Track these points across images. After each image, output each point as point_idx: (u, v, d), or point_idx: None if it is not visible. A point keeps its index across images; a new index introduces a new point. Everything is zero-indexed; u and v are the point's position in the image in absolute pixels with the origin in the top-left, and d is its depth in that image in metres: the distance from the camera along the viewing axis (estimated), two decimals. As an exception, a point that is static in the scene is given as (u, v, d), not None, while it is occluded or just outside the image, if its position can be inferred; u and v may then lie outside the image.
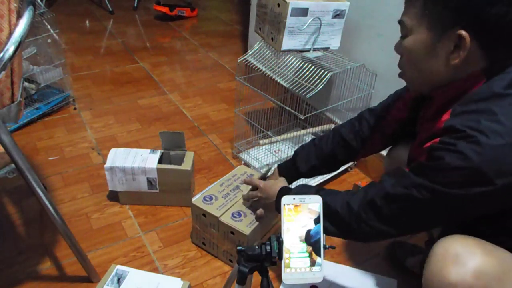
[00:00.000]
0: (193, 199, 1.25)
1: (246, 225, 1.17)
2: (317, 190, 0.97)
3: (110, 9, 3.29)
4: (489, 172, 0.69)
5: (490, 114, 0.71)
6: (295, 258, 0.72)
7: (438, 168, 0.75)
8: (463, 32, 0.74)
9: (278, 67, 1.47)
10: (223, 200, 1.25)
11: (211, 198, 1.25)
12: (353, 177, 1.69)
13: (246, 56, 1.53)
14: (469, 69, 0.77)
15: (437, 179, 0.75)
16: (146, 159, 1.38)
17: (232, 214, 1.20)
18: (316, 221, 0.75)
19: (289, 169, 1.19)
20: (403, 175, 0.81)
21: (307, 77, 1.38)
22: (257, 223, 1.18)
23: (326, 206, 0.89)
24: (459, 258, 0.72)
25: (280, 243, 0.73)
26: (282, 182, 1.13)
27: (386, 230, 0.85)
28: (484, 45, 0.75)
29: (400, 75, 0.90)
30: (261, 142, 1.62)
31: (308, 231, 0.73)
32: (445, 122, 0.76)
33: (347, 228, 0.89)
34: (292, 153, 1.21)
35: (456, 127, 0.73)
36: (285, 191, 1.05)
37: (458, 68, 0.78)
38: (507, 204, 0.76)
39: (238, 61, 1.53)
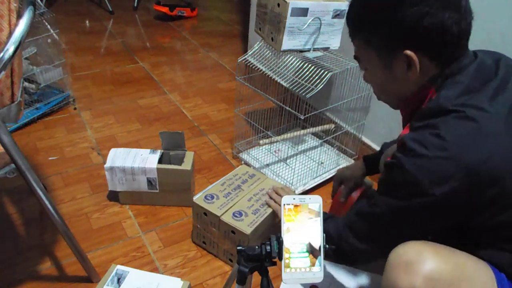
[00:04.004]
0: (194, 198, 1.25)
1: (247, 224, 1.17)
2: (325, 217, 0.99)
3: (110, 9, 3.29)
4: (424, 183, 0.72)
5: (434, 128, 0.73)
6: (295, 258, 0.72)
7: (387, 182, 0.82)
8: (408, 52, 0.77)
9: (278, 67, 1.47)
10: (224, 199, 1.25)
11: (212, 197, 1.25)
12: (353, 177, 1.69)
13: (246, 56, 1.53)
14: (427, 77, 0.80)
15: (389, 193, 0.81)
16: (146, 159, 1.38)
17: (233, 214, 1.20)
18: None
19: (374, 160, 1.23)
20: (371, 195, 0.89)
21: (307, 77, 1.38)
22: (258, 222, 1.18)
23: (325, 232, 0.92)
24: (410, 266, 0.73)
25: (280, 243, 0.73)
26: None
27: (363, 248, 0.89)
28: (430, 54, 0.78)
29: (379, 99, 0.94)
30: (261, 142, 1.62)
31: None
32: (401, 136, 0.79)
33: (336, 250, 0.93)
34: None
35: (403, 141, 0.76)
36: None
37: (419, 80, 0.81)
38: (465, 214, 0.76)
39: (238, 61, 1.53)
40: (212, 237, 1.26)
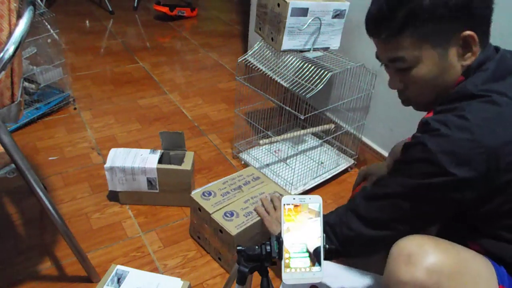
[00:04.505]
0: (193, 192, 1.26)
1: (235, 225, 1.17)
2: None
3: (110, 9, 3.30)
4: (446, 162, 0.72)
5: (459, 110, 0.74)
6: (295, 258, 0.72)
7: (405, 161, 0.81)
8: (469, 32, 0.77)
9: (278, 67, 1.47)
10: (221, 197, 1.25)
11: (209, 194, 1.26)
12: (353, 177, 1.69)
13: (246, 56, 1.53)
14: (472, 60, 0.81)
15: (406, 172, 0.80)
16: (146, 159, 1.38)
17: (225, 213, 1.20)
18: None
19: None
20: (381, 178, 0.86)
21: (307, 77, 1.38)
22: (246, 225, 1.17)
23: (324, 223, 0.90)
24: (411, 258, 0.73)
25: (280, 243, 0.73)
26: None
27: (368, 234, 0.87)
28: (481, 32, 0.79)
29: (407, 104, 0.91)
30: (261, 142, 1.62)
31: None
32: (424, 119, 0.79)
33: (337, 240, 0.91)
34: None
35: (426, 121, 0.77)
36: None
37: (466, 66, 0.81)
38: (479, 198, 0.76)
39: (238, 61, 1.53)
40: (205, 233, 1.26)
